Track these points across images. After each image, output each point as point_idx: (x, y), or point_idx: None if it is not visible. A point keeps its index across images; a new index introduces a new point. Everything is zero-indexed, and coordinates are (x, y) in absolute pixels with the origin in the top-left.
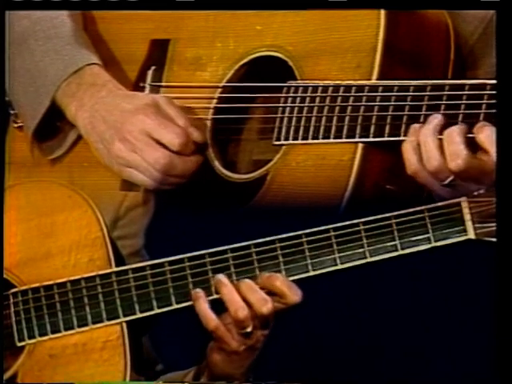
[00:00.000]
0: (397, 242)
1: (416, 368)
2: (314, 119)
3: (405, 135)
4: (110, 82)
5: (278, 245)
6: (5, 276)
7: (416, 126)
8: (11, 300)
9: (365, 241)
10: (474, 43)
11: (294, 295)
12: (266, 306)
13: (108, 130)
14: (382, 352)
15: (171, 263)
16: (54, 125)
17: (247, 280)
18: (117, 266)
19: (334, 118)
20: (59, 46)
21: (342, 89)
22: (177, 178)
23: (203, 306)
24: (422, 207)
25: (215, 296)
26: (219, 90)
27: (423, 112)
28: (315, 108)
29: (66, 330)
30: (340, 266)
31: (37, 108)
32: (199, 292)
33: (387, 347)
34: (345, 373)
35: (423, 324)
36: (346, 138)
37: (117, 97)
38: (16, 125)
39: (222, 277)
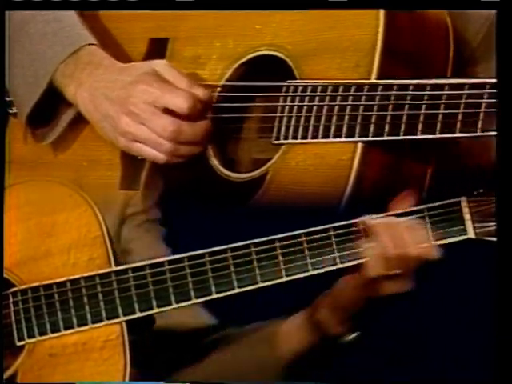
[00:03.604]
0: None
1: (415, 367)
2: (313, 118)
3: (404, 134)
4: (107, 59)
5: (277, 244)
6: (4, 275)
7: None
8: (11, 299)
9: (364, 240)
10: (478, 44)
11: (430, 251)
12: (409, 247)
13: (112, 107)
14: (382, 351)
15: (171, 262)
16: (48, 110)
17: (395, 219)
18: (117, 264)
19: (334, 118)
20: (57, 28)
21: (341, 88)
22: (187, 145)
23: None
24: (422, 206)
25: (215, 296)
26: (218, 89)
27: (423, 111)
28: (314, 107)
29: (65, 329)
30: (340, 265)
31: (34, 91)
32: None
33: (386, 346)
34: (346, 373)
35: (423, 323)
36: (346, 137)
37: (114, 72)
38: (11, 111)
39: (369, 219)
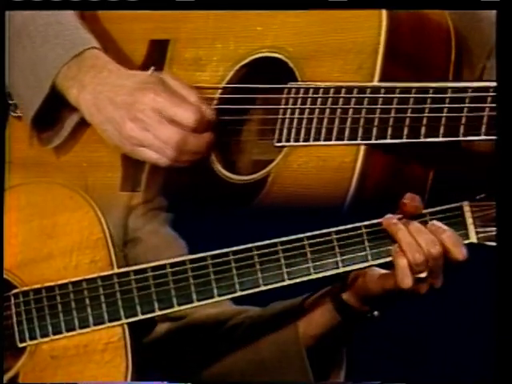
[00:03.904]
0: None
1: (416, 369)
2: (315, 121)
3: (407, 137)
4: (111, 63)
5: (279, 247)
6: (6, 277)
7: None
8: (12, 301)
9: (367, 244)
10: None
11: (458, 253)
12: (434, 247)
13: (117, 111)
14: (382, 353)
15: (173, 265)
16: (52, 114)
17: (416, 222)
18: (119, 267)
19: (336, 120)
20: (59, 31)
21: (343, 90)
22: (190, 155)
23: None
24: (424, 211)
25: (217, 298)
26: (219, 90)
27: (426, 114)
28: (316, 110)
29: (67, 331)
30: (342, 269)
31: (37, 94)
32: None
33: (387, 348)
34: (347, 374)
35: (424, 326)
36: (348, 139)
37: (120, 77)
38: (15, 114)
39: (395, 220)
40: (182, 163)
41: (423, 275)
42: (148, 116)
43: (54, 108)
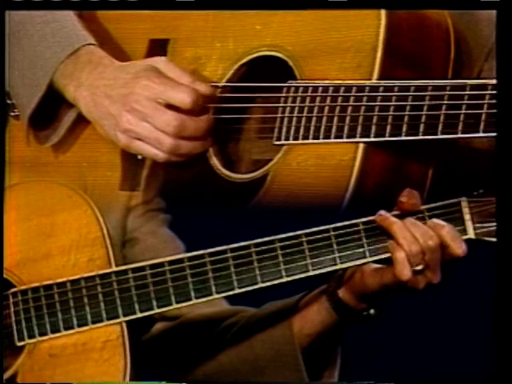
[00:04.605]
0: None
1: (414, 367)
2: (314, 119)
3: (406, 135)
4: (106, 58)
5: (277, 244)
6: (5, 276)
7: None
8: (11, 300)
9: (364, 240)
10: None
11: (457, 248)
12: (431, 238)
13: (113, 104)
14: (381, 351)
15: (171, 263)
16: (50, 112)
17: (411, 217)
18: (117, 265)
19: (335, 118)
20: (56, 29)
21: (342, 89)
22: (189, 140)
23: None
24: (422, 207)
25: (215, 296)
26: (219, 89)
27: (424, 112)
28: (316, 108)
29: (65, 329)
30: (340, 266)
31: (34, 92)
32: None
33: (386, 346)
34: (345, 371)
35: (422, 324)
36: (347, 137)
37: (114, 70)
38: (13, 113)
39: (388, 214)
40: (180, 156)
41: (420, 267)
42: (144, 105)
43: (52, 106)
